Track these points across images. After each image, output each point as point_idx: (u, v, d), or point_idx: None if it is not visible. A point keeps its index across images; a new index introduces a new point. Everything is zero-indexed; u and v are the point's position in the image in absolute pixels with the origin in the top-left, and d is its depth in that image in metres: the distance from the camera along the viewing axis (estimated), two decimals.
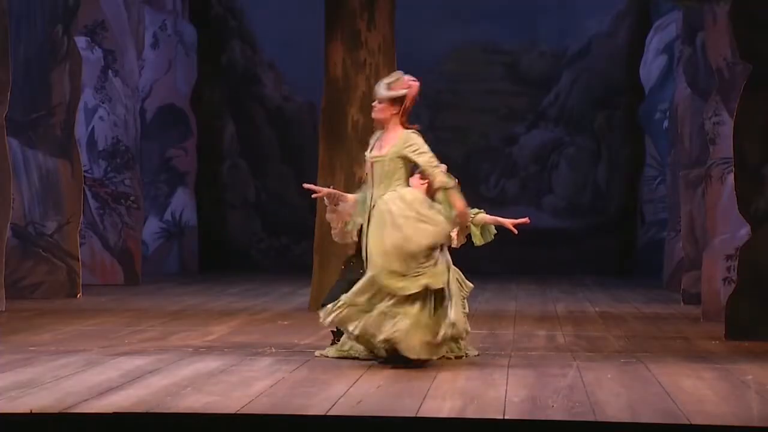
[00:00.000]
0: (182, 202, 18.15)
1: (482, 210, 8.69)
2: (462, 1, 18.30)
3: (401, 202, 7.99)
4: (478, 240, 8.49)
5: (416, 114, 8.80)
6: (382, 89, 8.20)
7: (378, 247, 7.96)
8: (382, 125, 8.20)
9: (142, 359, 8.12)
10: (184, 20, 18.29)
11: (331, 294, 8.62)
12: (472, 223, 8.36)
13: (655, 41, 17.12)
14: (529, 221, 8.54)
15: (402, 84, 8.19)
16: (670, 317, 11.83)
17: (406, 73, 8.27)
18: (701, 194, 12.54)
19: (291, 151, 18.66)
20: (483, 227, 8.51)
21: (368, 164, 8.18)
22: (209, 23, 18.77)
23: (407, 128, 8.16)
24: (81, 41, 14.74)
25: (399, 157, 8.06)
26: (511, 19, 18.41)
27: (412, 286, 7.90)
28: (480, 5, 18.31)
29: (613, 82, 18.55)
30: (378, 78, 12.20)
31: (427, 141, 8.14)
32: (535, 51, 18.65)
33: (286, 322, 10.91)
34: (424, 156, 8.06)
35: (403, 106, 8.16)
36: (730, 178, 10.75)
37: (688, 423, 6.02)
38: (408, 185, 8.15)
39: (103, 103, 15.70)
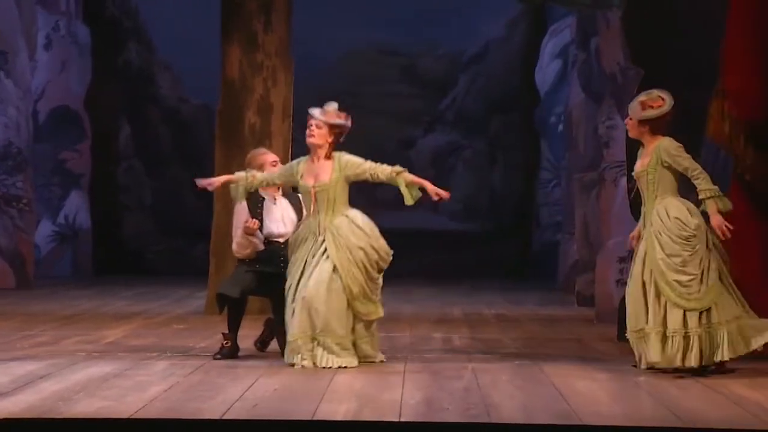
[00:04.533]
0: (76, 205, 17.92)
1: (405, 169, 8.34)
2: (360, 3, 18.31)
3: (357, 228, 8.03)
4: (409, 199, 8.20)
5: None
6: (323, 115, 8.12)
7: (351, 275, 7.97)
8: (315, 151, 8.15)
9: (34, 364, 7.99)
10: (78, 21, 18.06)
11: (233, 279, 8.51)
12: (398, 182, 8.16)
13: (550, 46, 17.29)
14: (449, 196, 8.22)
15: (340, 114, 8.16)
16: (564, 319, 11.94)
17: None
18: (595, 197, 12.68)
19: (187, 153, 18.53)
20: (409, 186, 8.22)
21: (309, 193, 8.08)
22: (104, 24, 18.55)
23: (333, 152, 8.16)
24: None
25: (343, 180, 8.10)
26: (409, 22, 18.46)
27: (380, 311, 8.17)
28: (378, 8, 18.33)
29: (509, 86, 18.70)
30: (275, 81, 12.27)
31: None
32: (432, 54, 18.73)
33: (181, 326, 10.83)
34: (365, 163, 8.14)
35: (336, 135, 8.17)
36: (623, 181, 10.89)
37: (581, 423, 6.08)
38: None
39: None
